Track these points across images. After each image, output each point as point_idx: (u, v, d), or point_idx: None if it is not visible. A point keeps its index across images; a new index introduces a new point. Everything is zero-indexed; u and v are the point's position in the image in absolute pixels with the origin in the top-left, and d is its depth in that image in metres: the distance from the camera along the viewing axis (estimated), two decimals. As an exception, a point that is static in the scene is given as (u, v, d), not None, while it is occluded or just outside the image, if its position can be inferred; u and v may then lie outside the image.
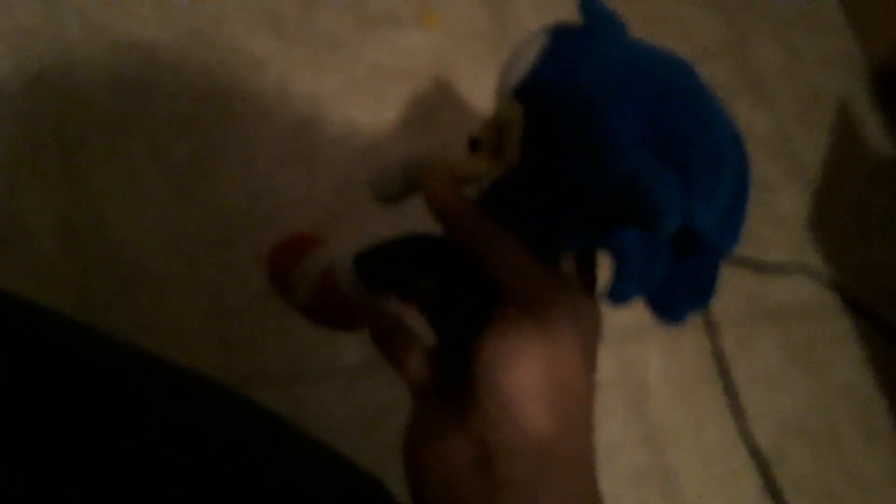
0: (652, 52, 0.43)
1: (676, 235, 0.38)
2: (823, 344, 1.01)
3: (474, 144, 0.46)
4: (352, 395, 0.71)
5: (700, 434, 0.89)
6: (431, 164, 0.46)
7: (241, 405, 0.53)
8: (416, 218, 0.45)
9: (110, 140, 0.72)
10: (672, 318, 0.40)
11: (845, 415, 0.98)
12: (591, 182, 0.38)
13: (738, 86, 1.19)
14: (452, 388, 0.40)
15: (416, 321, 0.46)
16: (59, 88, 0.72)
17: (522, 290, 0.39)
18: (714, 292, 0.41)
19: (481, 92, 0.92)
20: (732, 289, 0.99)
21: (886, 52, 1.35)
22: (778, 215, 1.10)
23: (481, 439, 0.37)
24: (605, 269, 0.39)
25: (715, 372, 0.93)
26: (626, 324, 0.90)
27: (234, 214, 0.74)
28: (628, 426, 0.85)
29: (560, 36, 0.43)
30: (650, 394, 0.88)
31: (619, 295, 0.36)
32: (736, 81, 1.19)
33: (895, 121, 1.30)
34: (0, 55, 0.71)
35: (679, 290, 0.40)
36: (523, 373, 0.37)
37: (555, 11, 1.05)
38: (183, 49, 0.78)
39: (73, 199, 0.69)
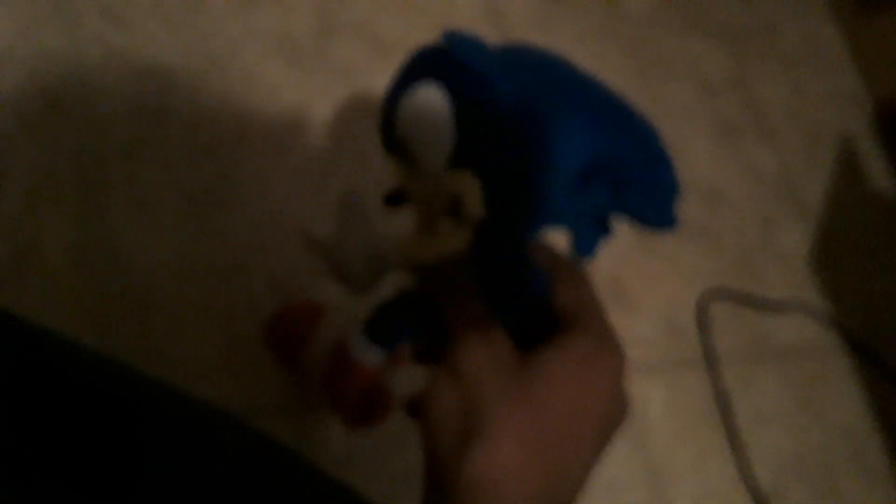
0: (537, 61, 0.43)
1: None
2: (824, 383, 1.02)
3: (398, 199, 0.47)
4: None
5: (700, 471, 0.90)
6: (407, 252, 0.47)
7: (255, 438, 0.54)
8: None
9: (127, 166, 0.73)
10: (592, 253, 0.43)
11: (845, 455, 0.98)
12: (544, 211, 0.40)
13: (743, 122, 1.20)
14: None
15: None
16: (77, 113, 0.73)
17: (443, 337, 0.43)
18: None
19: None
20: (733, 326, 1.00)
21: (890, 91, 1.37)
22: (780, 252, 1.11)
23: None
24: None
25: (716, 409, 0.93)
26: (630, 359, 0.91)
27: (246, 242, 0.74)
28: (630, 462, 0.86)
29: (453, 87, 0.41)
30: (652, 430, 0.89)
31: (586, 253, 0.41)
32: (741, 118, 1.20)
33: (898, 159, 1.31)
34: (20, 78, 0.72)
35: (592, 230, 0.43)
36: (433, 409, 0.40)
37: (556, 40, 1.06)
38: (200, 76, 0.79)
39: (88, 224, 0.69)
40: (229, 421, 0.54)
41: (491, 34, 1.01)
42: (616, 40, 1.12)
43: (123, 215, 0.71)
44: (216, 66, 0.80)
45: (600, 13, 1.14)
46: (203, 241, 0.73)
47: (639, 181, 0.42)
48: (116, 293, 0.68)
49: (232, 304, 0.71)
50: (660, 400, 0.90)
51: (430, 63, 0.43)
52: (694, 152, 1.11)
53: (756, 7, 1.34)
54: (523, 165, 0.40)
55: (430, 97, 0.42)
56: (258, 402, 0.69)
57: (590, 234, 0.42)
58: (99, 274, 0.68)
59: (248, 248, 0.74)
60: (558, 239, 0.43)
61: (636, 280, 0.95)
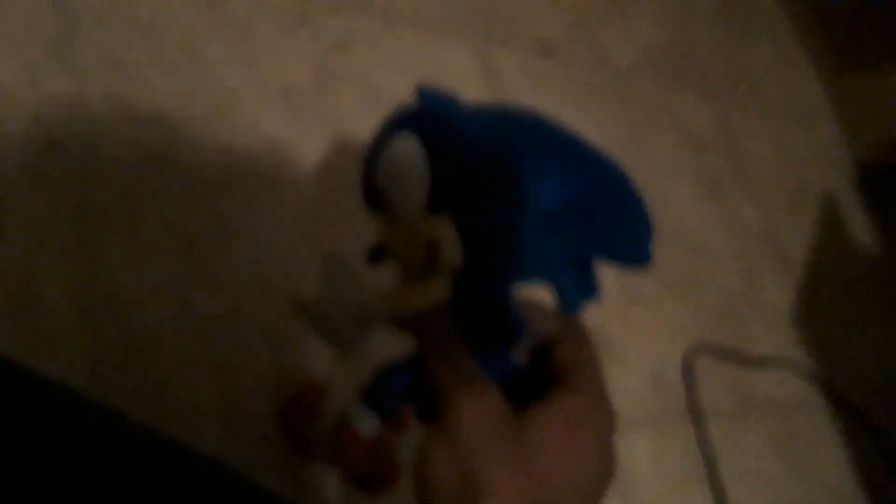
0: (510, 112, 0.46)
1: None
2: (808, 439, 1.03)
3: (379, 254, 0.48)
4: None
5: (686, 526, 0.90)
6: (390, 305, 0.47)
7: (250, 490, 0.54)
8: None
9: (127, 213, 0.73)
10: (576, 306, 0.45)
11: (828, 512, 0.99)
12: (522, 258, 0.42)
13: (727, 177, 1.22)
14: None
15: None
16: (79, 159, 0.73)
17: (435, 399, 0.43)
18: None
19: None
20: (718, 380, 1.01)
21: (872, 146, 1.39)
22: (764, 306, 1.12)
23: None
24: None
25: (702, 464, 0.94)
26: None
27: (244, 291, 0.75)
28: (617, 516, 0.86)
29: (424, 133, 0.44)
30: (638, 483, 0.89)
31: (571, 307, 0.43)
32: (726, 173, 1.22)
33: (881, 214, 1.34)
34: (23, 123, 0.73)
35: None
36: (429, 473, 0.40)
37: (546, 94, 1.08)
38: (201, 126, 0.80)
39: (88, 269, 0.70)
40: (225, 471, 0.54)
41: (483, 86, 1.03)
42: (604, 95, 1.14)
43: (122, 261, 0.71)
44: (218, 115, 0.81)
45: (590, 68, 1.16)
46: (200, 289, 0.73)
47: (611, 221, 0.44)
48: (113, 339, 0.68)
49: (227, 354, 0.72)
50: (646, 454, 0.91)
51: (406, 117, 0.46)
52: (679, 206, 1.13)
53: (741, 62, 1.36)
54: (496, 207, 0.41)
55: (404, 145, 0.44)
56: (252, 454, 0.69)
57: (572, 287, 0.44)
58: (96, 319, 0.68)
59: (244, 297, 0.75)
60: (545, 295, 0.44)
61: (623, 334, 0.96)
